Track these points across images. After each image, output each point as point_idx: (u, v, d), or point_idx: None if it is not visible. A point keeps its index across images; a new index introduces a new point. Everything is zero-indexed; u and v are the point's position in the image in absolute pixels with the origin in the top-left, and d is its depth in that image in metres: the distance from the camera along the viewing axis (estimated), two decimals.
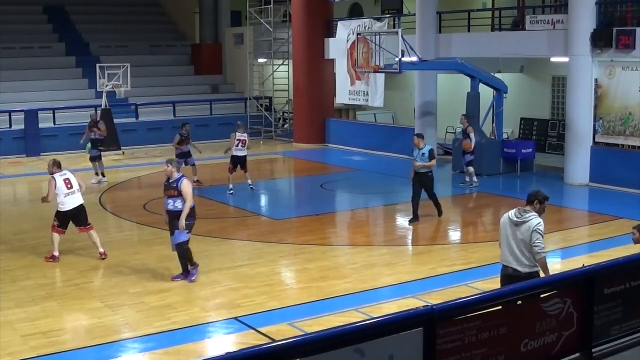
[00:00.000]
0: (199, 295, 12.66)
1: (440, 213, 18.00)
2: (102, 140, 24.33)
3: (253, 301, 12.16)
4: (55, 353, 10.20)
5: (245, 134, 21.43)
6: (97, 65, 31.31)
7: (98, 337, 10.72)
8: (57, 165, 14.88)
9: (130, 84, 30.87)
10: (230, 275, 13.66)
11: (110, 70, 30.90)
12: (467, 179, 22.15)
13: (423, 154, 17.17)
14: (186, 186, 12.83)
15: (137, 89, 32.34)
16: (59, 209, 14.66)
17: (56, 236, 14.62)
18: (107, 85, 30.62)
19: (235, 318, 11.39)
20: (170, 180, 12.96)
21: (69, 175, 14.70)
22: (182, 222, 12.72)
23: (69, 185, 14.53)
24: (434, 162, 17.38)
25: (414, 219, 17.57)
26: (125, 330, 11.14)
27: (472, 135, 21.91)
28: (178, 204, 12.83)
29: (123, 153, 30.05)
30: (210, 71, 38.20)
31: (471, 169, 22.02)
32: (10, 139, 30.49)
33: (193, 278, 13.18)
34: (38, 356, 10.10)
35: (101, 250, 14.77)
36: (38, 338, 10.67)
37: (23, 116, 31.01)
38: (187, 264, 13.19)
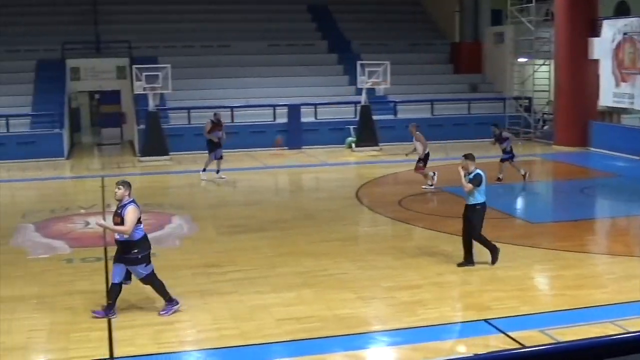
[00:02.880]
0: (449, 295, 12.56)
1: (493, 260, 14.07)
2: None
3: (504, 304, 11.87)
4: (307, 339, 10.48)
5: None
6: (358, 62, 31.99)
7: (348, 327, 10.90)
8: None
9: (390, 81, 31.26)
10: (482, 276, 13.43)
11: (370, 68, 31.46)
12: None
13: (470, 180, 13.83)
14: (130, 213, 11.29)
15: (396, 86, 32.68)
16: None
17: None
18: (367, 83, 31.19)
19: (485, 320, 11.17)
20: (119, 205, 11.57)
21: None
22: (104, 224, 11.95)
23: None
24: (472, 188, 13.65)
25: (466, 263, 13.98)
26: (375, 323, 11.25)
27: None
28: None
29: (381, 149, 30.47)
30: (469, 70, 37.88)
31: None
32: (274, 132, 31.81)
33: (165, 313, 11.51)
34: (291, 340, 10.42)
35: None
36: (292, 323, 11.01)
37: (286, 110, 32.26)
38: (165, 294, 11.64)
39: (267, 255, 14.91)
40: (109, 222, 11.94)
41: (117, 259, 11.52)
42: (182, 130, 31.15)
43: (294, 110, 32.23)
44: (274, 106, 32.55)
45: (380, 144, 30.85)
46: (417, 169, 22.02)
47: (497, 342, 10.33)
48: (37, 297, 12.56)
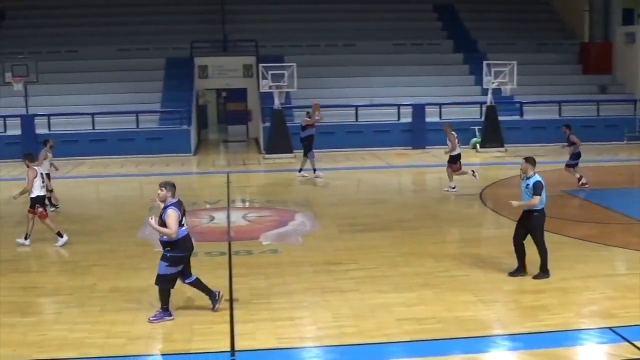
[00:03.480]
0: (574, 300, 12.19)
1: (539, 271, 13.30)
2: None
3: (630, 313, 11.44)
4: (426, 340, 10.38)
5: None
6: (484, 62, 31.58)
7: (468, 330, 10.74)
8: None
9: (516, 81, 30.73)
10: (608, 283, 12.99)
11: (496, 68, 31.02)
12: None
13: (527, 185, 13.01)
14: (170, 217, 11.07)
15: (522, 87, 32.13)
16: None
17: None
18: (493, 83, 30.75)
19: (610, 328, 10.80)
20: (163, 207, 11.30)
21: None
22: (152, 224, 11.26)
23: None
24: (537, 199, 12.82)
25: (517, 271, 13.40)
26: (496, 327, 11.04)
27: None
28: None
29: (506, 150, 30.00)
30: (598, 71, 36.83)
31: None
32: (398, 131, 31.74)
33: (155, 319, 11.26)
34: (410, 341, 10.34)
35: None
36: (412, 323, 10.92)
37: (411, 110, 32.13)
38: (164, 302, 11.36)
39: (388, 255, 14.86)
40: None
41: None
42: None
43: (418, 110, 32.08)
44: (398, 106, 32.48)
45: (505, 145, 30.35)
46: (450, 168, 21.94)
47: (622, 351, 9.99)
48: None
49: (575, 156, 22.09)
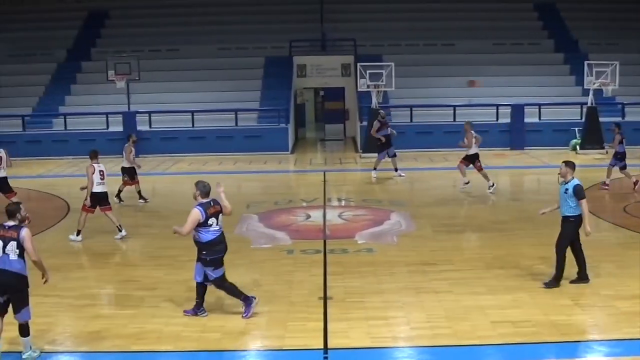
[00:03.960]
0: None
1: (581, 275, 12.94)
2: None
3: None
4: (521, 343, 10.21)
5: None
6: (585, 62, 30.92)
7: (564, 334, 10.52)
8: None
9: (618, 82, 29.99)
10: None
11: (598, 68, 30.33)
12: None
13: (567, 190, 12.54)
14: (190, 215, 11.16)
15: (624, 87, 31.32)
16: None
17: None
18: (594, 83, 30.09)
19: None
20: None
21: None
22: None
23: None
24: (584, 203, 12.37)
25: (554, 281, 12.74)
26: (593, 332, 10.81)
27: None
28: (195, 233, 11.32)
29: (607, 152, 29.33)
30: None
31: None
32: (497, 131, 31.35)
33: (247, 315, 11.40)
34: (504, 344, 10.21)
35: None
36: (506, 326, 10.79)
37: (510, 110, 31.70)
38: (239, 295, 11.56)
39: (483, 256, 14.71)
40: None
41: (197, 258, 11.53)
42: (404, 127, 31.32)
43: (517, 111, 31.65)
44: (497, 106, 32.09)
45: (606, 147, 29.67)
46: (463, 165, 22.10)
47: None
48: (257, 285, 13.03)
49: (621, 158, 21.86)
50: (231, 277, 13.27)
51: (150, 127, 32.17)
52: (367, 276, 13.41)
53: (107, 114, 32.32)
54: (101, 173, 16.85)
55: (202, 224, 11.18)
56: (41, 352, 10.05)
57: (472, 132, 21.96)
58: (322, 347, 10.20)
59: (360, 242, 16.01)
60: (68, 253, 15.82)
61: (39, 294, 11.77)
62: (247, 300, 11.46)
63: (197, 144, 31.66)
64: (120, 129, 31.35)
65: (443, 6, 39.25)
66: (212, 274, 11.38)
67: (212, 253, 11.32)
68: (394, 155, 24.77)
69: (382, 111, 25.48)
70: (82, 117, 32.92)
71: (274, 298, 12.23)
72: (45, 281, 10.17)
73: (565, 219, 12.65)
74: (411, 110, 32.44)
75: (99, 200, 16.86)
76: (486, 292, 12.36)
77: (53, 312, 11.76)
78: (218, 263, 11.41)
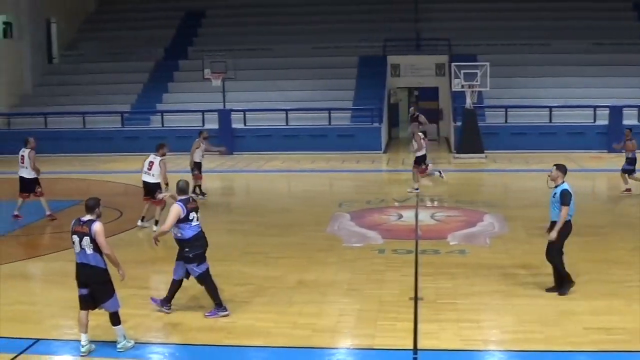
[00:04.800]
0: None
1: (558, 288, 12.43)
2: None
3: None
4: (613, 351, 9.99)
5: None
6: None
7: None
8: None
9: None
10: None
11: None
12: None
13: (555, 194, 12.23)
14: (170, 212, 11.37)
15: None
16: None
17: None
18: None
19: None
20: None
21: None
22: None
23: None
24: (565, 211, 12.01)
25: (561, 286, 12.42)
26: None
27: None
28: (177, 230, 11.46)
29: None
30: None
31: None
32: (594, 134, 30.73)
33: (210, 315, 11.49)
34: (596, 351, 9.99)
35: None
36: (599, 333, 10.56)
37: (608, 112, 31.02)
38: (215, 298, 11.51)
39: (578, 261, 14.39)
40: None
41: (177, 257, 11.66)
42: (498, 128, 31.02)
43: (615, 112, 30.92)
44: (594, 107, 31.43)
45: None
46: (415, 169, 22.07)
47: None
48: (348, 283, 13.07)
49: (630, 162, 21.56)
50: (322, 276, 13.36)
51: (244, 125, 32.57)
52: (458, 278, 13.31)
53: (202, 111, 32.85)
54: (150, 164, 17.44)
55: (183, 220, 11.33)
56: (135, 342, 10.29)
57: (420, 134, 22.20)
58: (411, 347, 10.18)
59: (453, 244, 15.90)
60: (162, 247, 16.10)
61: (133, 286, 12.08)
62: (220, 307, 11.43)
63: (291, 142, 31.91)
64: (215, 126, 31.80)
65: (539, 5, 38.62)
66: (197, 269, 11.49)
67: (194, 249, 11.47)
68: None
69: (414, 107, 25.57)
70: (178, 115, 33.56)
71: (364, 297, 12.26)
72: (122, 277, 10.27)
73: (553, 224, 12.30)
74: (506, 111, 32.03)
75: (145, 189, 17.51)
76: (579, 298, 12.12)
77: (146, 305, 12.02)
78: (201, 258, 11.56)
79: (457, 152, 29.86)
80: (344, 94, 34.54)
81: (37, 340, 10.61)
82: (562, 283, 12.38)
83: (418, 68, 36.98)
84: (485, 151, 29.14)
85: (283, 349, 10.29)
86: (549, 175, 12.49)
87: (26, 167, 19.24)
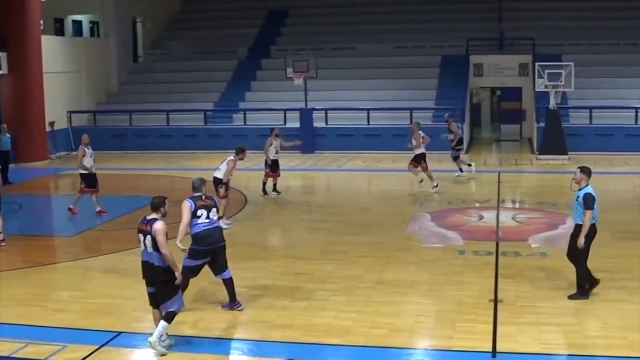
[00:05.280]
0: None
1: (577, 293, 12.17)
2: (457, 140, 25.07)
3: None
4: None
5: None
6: None
7: None
8: None
9: None
10: None
11: None
12: None
13: (578, 198, 11.98)
14: (182, 209, 11.49)
15: None
16: None
17: None
18: None
19: None
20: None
21: None
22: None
23: None
24: (588, 215, 11.72)
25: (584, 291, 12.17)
26: None
27: None
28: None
29: None
30: None
31: None
32: None
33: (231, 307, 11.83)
34: None
35: None
36: None
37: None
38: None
39: None
40: None
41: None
42: (583, 130, 30.44)
43: None
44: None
45: None
46: (412, 165, 22.70)
47: None
48: (426, 283, 13.03)
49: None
50: (401, 276, 13.34)
51: (326, 124, 32.68)
52: (539, 280, 13.14)
53: (284, 110, 33.06)
54: (226, 163, 17.81)
55: (192, 216, 11.43)
56: (170, 344, 10.24)
57: (420, 132, 22.56)
58: (490, 350, 10.09)
59: (534, 246, 15.69)
60: (244, 244, 16.32)
61: (216, 282, 12.24)
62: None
63: (372, 141, 31.87)
64: (297, 125, 31.98)
65: (626, 4, 37.75)
66: (183, 261, 11.48)
67: (196, 245, 11.51)
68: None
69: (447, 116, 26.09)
70: (260, 113, 33.85)
71: (443, 298, 12.20)
72: (178, 279, 10.21)
73: (577, 227, 12.02)
74: (590, 112, 31.41)
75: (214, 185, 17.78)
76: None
77: (222, 301, 12.16)
78: (196, 255, 11.52)
79: (540, 153, 29.41)
80: (425, 94, 34.35)
81: (120, 333, 10.86)
82: (581, 287, 12.11)
83: (501, 68, 36.54)
84: (569, 153, 28.64)
85: (361, 348, 10.32)
86: (573, 178, 12.26)
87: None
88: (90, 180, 19.66)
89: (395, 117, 32.70)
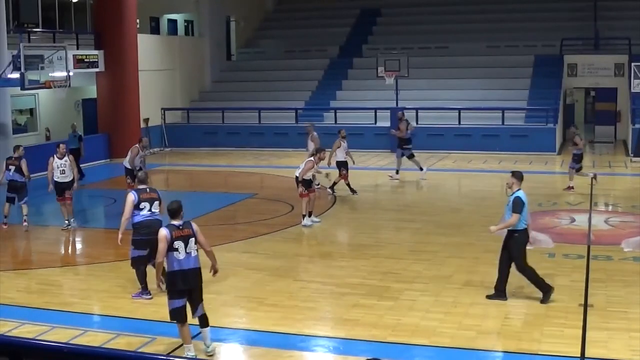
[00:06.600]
0: None
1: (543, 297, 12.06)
2: (404, 140, 24.69)
3: None
4: None
5: None
6: None
7: None
8: None
9: None
10: None
11: None
12: None
13: (509, 202, 12.09)
14: (125, 200, 12.52)
15: None
16: None
17: None
18: None
19: None
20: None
21: None
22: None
23: None
24: (514, 219, 11.92)
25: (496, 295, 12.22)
26: None
27: None
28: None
29: None
30: None
31: None
32: None
33: (135, 296, 12.56)
34: None
35: None
36: None
37: None
38: (142, 282, 12.50)
39: None
40: None
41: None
42: None
43: None
44: None
45: None
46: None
47: None
48: (515, 286, 12.87)
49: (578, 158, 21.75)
50: (491, 277, 13.24)
51: (417, 123, 32.53)
52: (631, 286, 12.91)
53: (375, 109, 33.10)
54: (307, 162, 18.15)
55: (135, 207, 12.33)
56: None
57: (314, 133, 23.01)
58: (578, 355, 10.00)
59: (627, 250, 15.40)
60: (332, 242, 16.47)
61: (303, 279, 12.42)
62: (144, 291, 12.39)
63: (463, 141, 31.66)
64: (387, 124, 31.98)
65: None
66: (131, 253, 12.48)
67: (136, 234, 12.38)
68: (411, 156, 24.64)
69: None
70: (351, 112, 33.97)
71: (531, 301, 12.10)
72: (215, 272, 10.36)
73: (510, 234, 12.18)
74: None
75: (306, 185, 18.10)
76: None
77: (315, 297, 12.33)
78: (139, 245, 12.33)
79: (635, 155, 28.79)
80: (518, 94, 33.95)
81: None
82: (543, 291, 12.08)
83: (596, 68, 35.84)
84: None
85: (447, 349, 10.33)
86: (506, 183, 12.42)
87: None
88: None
89: (486, 117, 32.43)
